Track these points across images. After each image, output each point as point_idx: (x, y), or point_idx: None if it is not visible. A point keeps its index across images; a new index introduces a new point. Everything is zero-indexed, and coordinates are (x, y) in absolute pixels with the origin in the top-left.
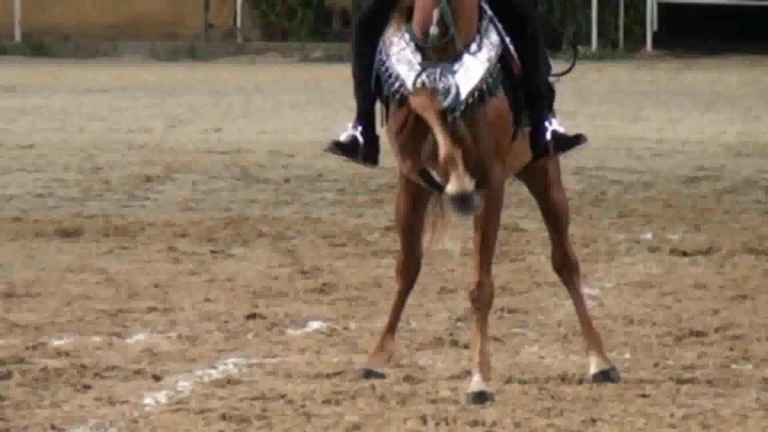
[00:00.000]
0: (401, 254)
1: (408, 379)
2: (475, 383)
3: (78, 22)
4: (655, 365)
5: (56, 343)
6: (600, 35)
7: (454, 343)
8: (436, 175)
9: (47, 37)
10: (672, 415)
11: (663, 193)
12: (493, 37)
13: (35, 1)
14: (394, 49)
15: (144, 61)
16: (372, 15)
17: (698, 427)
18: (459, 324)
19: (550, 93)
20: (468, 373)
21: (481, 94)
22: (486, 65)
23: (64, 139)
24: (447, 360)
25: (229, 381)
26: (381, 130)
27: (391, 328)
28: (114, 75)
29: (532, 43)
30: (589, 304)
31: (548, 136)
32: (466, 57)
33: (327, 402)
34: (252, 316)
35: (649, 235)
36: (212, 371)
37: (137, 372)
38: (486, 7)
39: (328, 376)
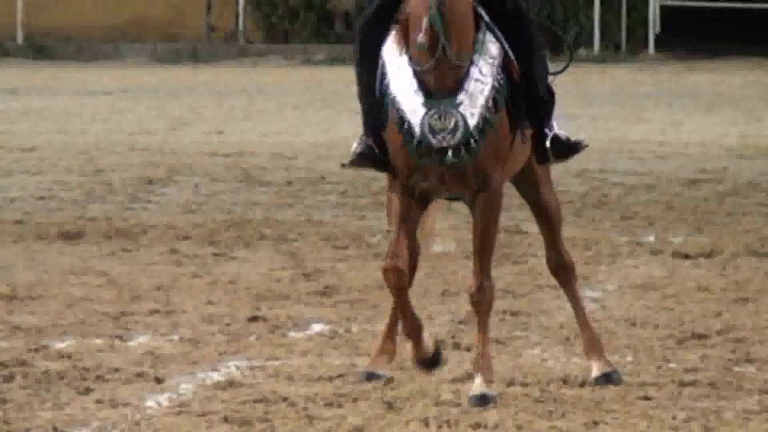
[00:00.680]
0: (392, 248)
1: (410, 381)
2: (477, 386)
3: (80, 24)
4: (658, 368)
5: (58, 345)
6: (602, 37)
7: (457, 346)
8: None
9: (49, 38)
10: (674, 417)
11: (665, 196)
12: (493, 49)
13: (37, 3)
14: (393, 70)
15: (146, 63)
16: (372, 21)
17: (700, 430)
18: (461, 326)
19: (550, 96)
20: (470, 376)
21: (489, 113)
22: (489, 87)
23: (65, 141)
24: (449, 362)
25: (231, 383)
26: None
27: (391, 330)
28: (116, 77)
29: (529, 45)
30: (591, 306)
31: (548, 143)
32: (467, 84)
33: (329, 405)
34: (254, 319)
35: (651, 238)
36: (214, 374)
37: (139, 374)
38: (483, 12)
39: (330, 378)
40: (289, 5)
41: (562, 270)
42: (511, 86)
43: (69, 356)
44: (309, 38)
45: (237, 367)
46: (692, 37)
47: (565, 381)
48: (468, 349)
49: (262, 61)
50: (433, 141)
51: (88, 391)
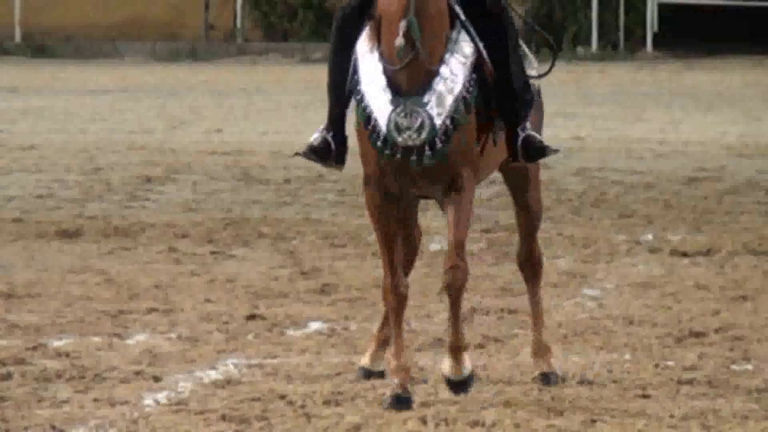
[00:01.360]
0: (386, 269)
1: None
2: (451, 368)
3: (79, 23)
4: (656, 366)
5: (57, 344)
6: (601, 36)
7: None
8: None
9: (48, 37)
10: (672, 415)
11: (664, 194)
12: (466, 49)
13: (36, 2)
14: (364, 66)
15: (145, 62)
16: (353, 13)
17: (698, 428)
18: None
19: (528, 95)
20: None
21: (457, 113)
22: (459, 86)
23: (65, 140)
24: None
25: (229, 382)
26: (350, 131)
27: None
28: (115, 76)
29: (505, 45)
30: (590, 304)
31: (519, 142)
32: (436, 83)
33: (327, 403)
34: (252, 317)
35: (649, 236)
36: (212, 372)
37: (137, 373)
38: (459, 10)
39: (328, 376)
40: (287, 4)
41: (530, 266)
42: (484, 86)
43: (67, 355)
44: (308, 37)
45: (235, 366)
46: (691, 36)
47: (563, 379)
48: (465, 348)
49: (261, 60)
50: (399, 139)
51: (86, 389)
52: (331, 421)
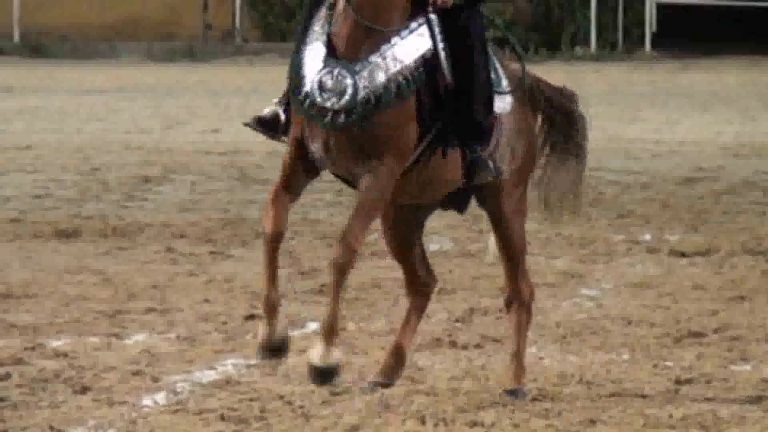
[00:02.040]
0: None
1: (407, 379)
2: (319, 355)
3: (75, 23)
4: (654, 366)
5: (54, 344)
6: (599, 36)
7: (453, 344)
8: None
9: (45, 38)
10: (671, 416)
11: (661, 194)
12: (422, 43)
13: (33, 3)
14: (312, 36)
15: (141, 62)
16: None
17: (697, 428)
18: (457, 325)
19: (488, 120)
20: (466, 374)
21: (387, 92)
22: (396, 71)
23: (61, 140)
24: (446, 360)
25: (227, 382)
26: None
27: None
28: (112, 76)
29: (470, 63)
30: (588, 304)
31: (467, 163)
32: (373, 57)
33: (325, 403)
34: (251, 317)
35: (647, 236)
36: (211, 372)
37: (136, 373)
38: (433, 16)
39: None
40: (285, 4)
41: (514, 304)
42: (435, 91)
43: (65, 355)
44: None
45: (233, 366)
46: (688, 36)
47: (561, 379)
48: (464, 347)
49: (259, 60)
50: (318, 98)
51: (84, 389)
52: (329, 421)
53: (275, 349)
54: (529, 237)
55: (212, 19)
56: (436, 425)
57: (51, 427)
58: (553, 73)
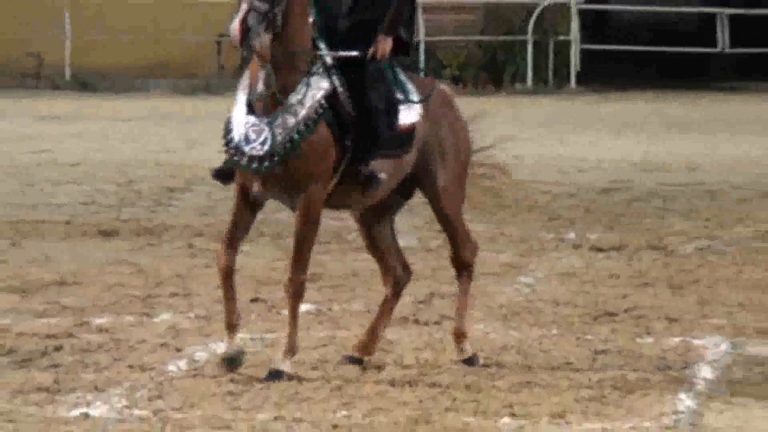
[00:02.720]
0: (226, 239)
1: (379, 351)
2: (277, 361)
3: (116, 64)
4: (577, 339)
5: (98, 321)
6: (535, 74)
7: (416, 322)
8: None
9: (91, 75)
10: (589, 379)
11: (584, 201)
12: (323, 83)
13: (82, 47)
14: (239, 96)
15: (169, 95)
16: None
17: (610, 389)
18: (420, 306)
19: (387, 134)
20: (428, 345)
21: (298, 134)
22: (306, 109)
23: (103, 157)
24: (411, 335)
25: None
26: None
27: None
28: (145, 106)
29: (368, 103)
30: (525, 290)
31: (362, 174)
32: (284, 110)
33: (314, 368)
34: (255, 300)
35: (572, 235)
36: (223, 344)
37: (162, 345)
38: (328, 57)
39: (315, 347)
40: None
41: (461, 273)
42: (339, 119)
43: (106, 330)
44: None
45: (241, 339)
46: (606, 75)
47: (503, 349)
48: (426, 324)
49: None
50: (246, 148)
51: (121, 358)
52: (318, 383)
53: (233, 360)
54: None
55: (225, 61)
56: (402, 387)
57: (95, 387)
58: (498, 104)
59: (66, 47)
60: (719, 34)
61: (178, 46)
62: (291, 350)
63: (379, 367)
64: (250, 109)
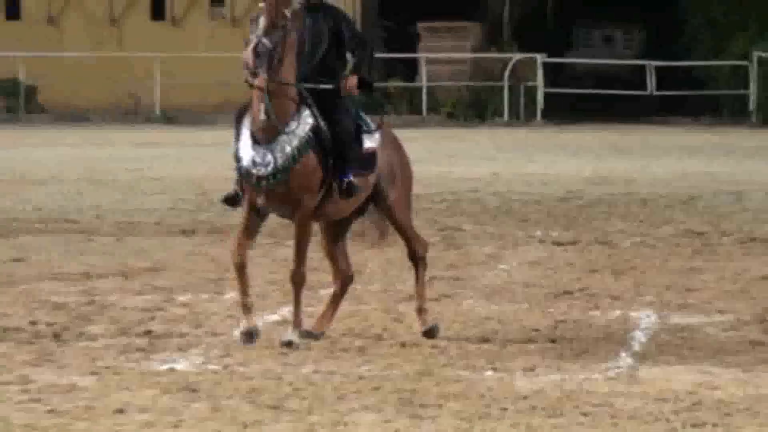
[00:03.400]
0: (238, 240)
1: (393, 320)
2: (288, 333)
3: (193, 103)
4: (542, 312)
5: (181, 298)
6: (510, 111)
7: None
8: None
9: (175, 112)
10: (553, 342)
11: (547, 207)
12: (309, 119)
13: (168, 91)
14: (243, 130)
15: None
16: (242, 109)
17: (568, 350)
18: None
19: (356, 156)
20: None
21: (293, 157)
22: (298, 138)
23: (184, 174)
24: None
25: (284, 321)
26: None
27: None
28: (214, 135)
29: (339, 132)
30: (503, 275)
31: (343, 184)
32: (282, 137)
33: (344, 334)
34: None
35: (539, 233)
36: (274, 315)
37: (229, 316)
38: (308, 98)
39: (344, 319)
40: None
41: (417, 263)
42: (321, 144)
43: (187, 305)
44: None
45: (288, 312)
46: (563, 111)
47: (486, 319)
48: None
49: None
50: (253, 169)
51: (199, 326)
52: (347, 345)
53: (250, 334)
54: (468, 234)
55: None
56: (411, 348)
57: (179, 348)
58: (480, 133)
59: (156, 91)
60: (648, 81)
61: (237, 90)
62: (298, 324)
63: (393, 333)
64: (254, 140)
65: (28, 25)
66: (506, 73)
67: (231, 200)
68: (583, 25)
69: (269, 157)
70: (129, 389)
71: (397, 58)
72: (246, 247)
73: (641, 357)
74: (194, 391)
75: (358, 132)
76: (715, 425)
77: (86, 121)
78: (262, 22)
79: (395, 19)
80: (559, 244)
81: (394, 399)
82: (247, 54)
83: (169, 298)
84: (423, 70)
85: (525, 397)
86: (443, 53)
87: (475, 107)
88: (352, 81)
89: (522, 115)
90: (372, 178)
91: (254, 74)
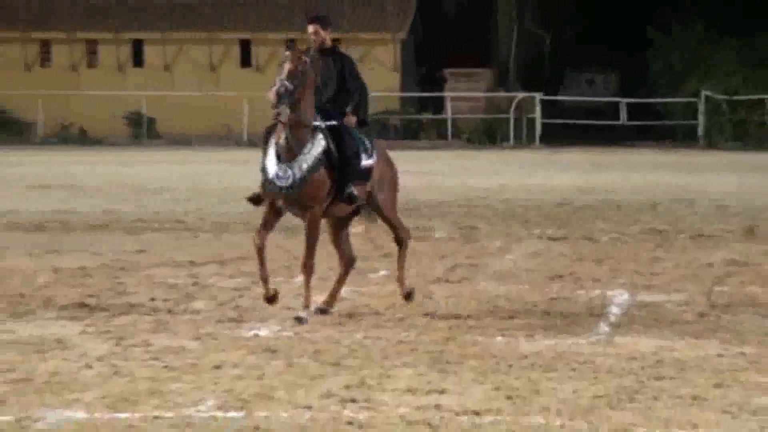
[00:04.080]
0: (260, 230)
1: (425, 297)
2: (300, 311)
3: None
4: (540, 291)
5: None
6: (515, 137)
7: (447, 281)
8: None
9: (259, 137)
10: (548, 314)
11: (545, 210)
12: (321, 142)
13: (254, 121)
14: (269, 149)
15: None
16: (269, 129)
17: (560, 320)
18: (449, 271)
19: (357, 171)
20: (453, 295)
21: (308, 173)
22: (313, 158)
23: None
24: (443, 289)
25: (343, 299)
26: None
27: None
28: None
29: (343, 144)
30: (509, 263)
31: (345, 193)
32: (300, 156)
33: (388, 308)
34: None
35: (537, 231)
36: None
37: (298, 294)
38: (323, 126)
39: (382, 297)
40: None
41: (401, 246)
42: (332, 165)
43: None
44: None
45: (347, 291)
46: (557, 137)
47: (497, 297)
48: (452, 282)
49: None
50: (277, 181)
51: (273, 300)
52: (388, 318)
53: (271, 298)
54: (481, 231)
55: None
56: (438, 319)
57: (261, 319)
58: (492, 154)
59: (244, 121)
60: (621, 113)
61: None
62: (307, 305)
63: (425, 308)
64: (278, 158)
65: (149, 71)
66: (512, 108)
67: (255, 200)
68: (572, 70)
69: (289, 173)
70: (224, 350)
71: (429, 96)
72: (265, 235)
73: (616, 326)
74: (273, 351)
75: (358, 152)
76: (672, 378)
77: (191, 145)
78: (286, 67)
79: (427, 66)
80: (553, 239)
81: (426, 358)
82: (271, 94)
83: (254, 280)
84: (448, 105)
85: (526, 357)
86: (464, 92)
87: (488, 134)
88: (353, 119)
89: (524, 139)
90: (368, 186)
91: (277, 111)
